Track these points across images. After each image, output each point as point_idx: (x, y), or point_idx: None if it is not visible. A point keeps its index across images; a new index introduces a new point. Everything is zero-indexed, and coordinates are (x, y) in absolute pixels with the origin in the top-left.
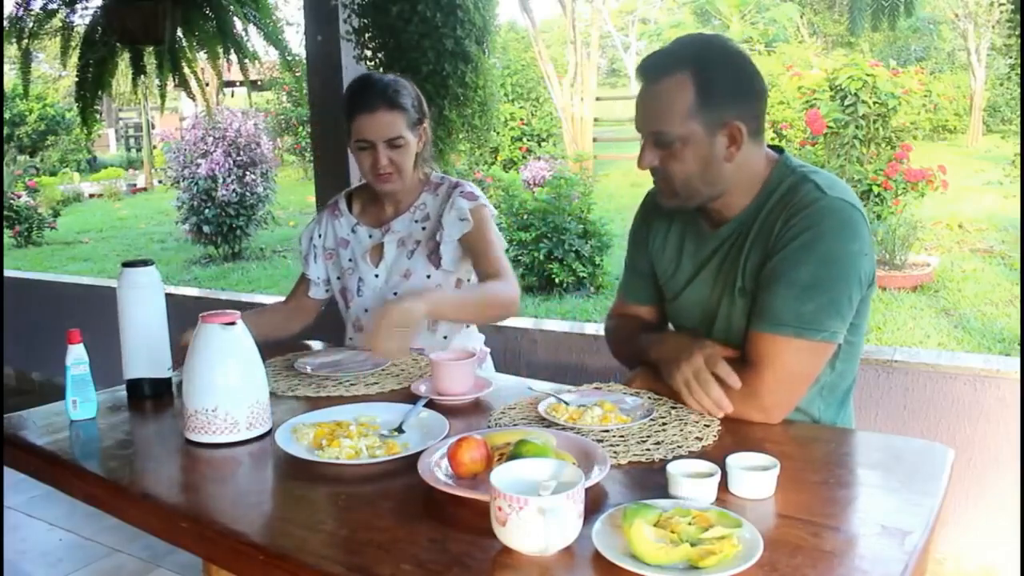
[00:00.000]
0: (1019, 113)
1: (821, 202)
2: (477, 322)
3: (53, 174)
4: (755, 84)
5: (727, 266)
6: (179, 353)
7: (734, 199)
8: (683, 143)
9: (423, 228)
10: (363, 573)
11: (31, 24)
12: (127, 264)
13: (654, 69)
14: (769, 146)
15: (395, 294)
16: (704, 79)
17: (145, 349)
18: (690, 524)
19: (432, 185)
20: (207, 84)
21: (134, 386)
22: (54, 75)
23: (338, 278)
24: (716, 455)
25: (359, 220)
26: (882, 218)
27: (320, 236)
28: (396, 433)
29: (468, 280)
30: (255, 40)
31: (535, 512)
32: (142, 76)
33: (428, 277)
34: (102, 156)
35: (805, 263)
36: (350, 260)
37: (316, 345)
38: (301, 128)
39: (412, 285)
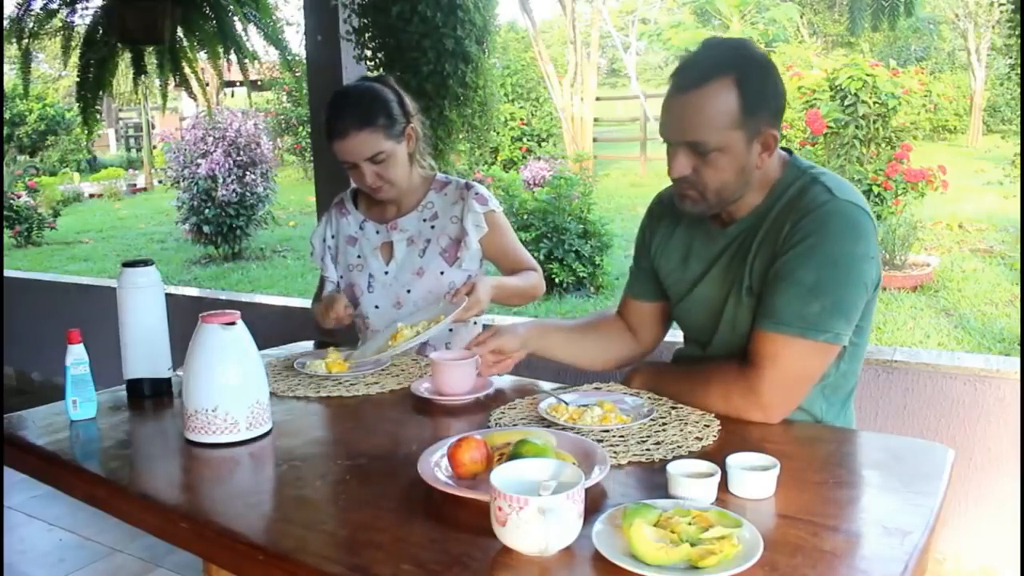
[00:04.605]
0: (1019, 113)
1: (829, 205)
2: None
3: (53, 174)
4: (784, 90)
5: (735, 264)
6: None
7: (746, 199)
8: (722, 152)
9: (432, 227)
10: (363, 573)
11: (31, 24)
12: (127, 264)
13: (694, 75)
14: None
15: (408, 292)
16: (746, 86)
17: (145, 349)
18: (690, 524)
19: (438, 184)
20: (207, 84)
21: (134, 386)
22: (54, 75)
23: (341, 277)
24: (716, 455)
25: (366, 217)
26: (882, 218)
27: (333, 236)
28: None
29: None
30: (255, 40)
31: (535, 512)
32: (142, 76)
33: (442, 274)
34: (102, 156)
35: (811, 265)
36: (358, 257)
37: (309, 346)
38: (301, 128)
39: (426, 283)
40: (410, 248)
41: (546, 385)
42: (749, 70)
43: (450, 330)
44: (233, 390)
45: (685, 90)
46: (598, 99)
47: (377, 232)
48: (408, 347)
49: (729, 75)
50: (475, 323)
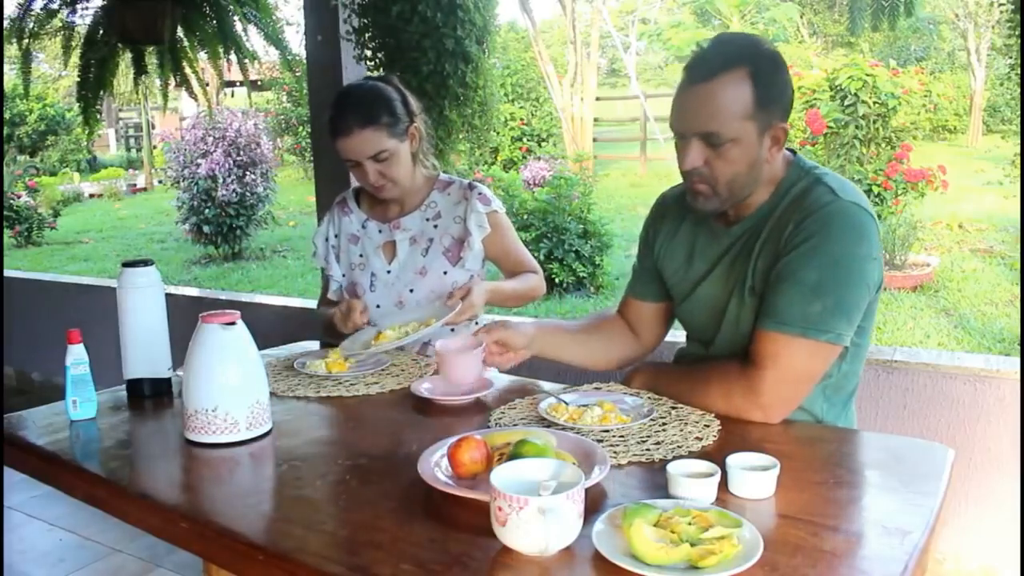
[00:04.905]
0: (1019, 113)
1: (832, 205)
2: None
3: (53, 174)
4: (792, 86)
5: (739, 264)
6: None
7: (752, 198)
8: (734, 143)
9: (435, 226)
10: (363, 573)
11: (31, 24)
12: (127, 264)
13: (707, 67)
14: None
15: (411, 291)
16: (759, 78)
17: (145, 349)
18: (690, 524)
19: (441, 184)
20: (207, 84)
21: (134, 386)
22: (54, 75)
23: (343, 275)
24: (716, 455)
25: (369, 216)
26: (882, 218)
27: (336, 235)
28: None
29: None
30: (255, 40)
31: (535, 512)
32: (143, 76)
33: (445, 274)
34: (102, 156)
35: (814, 264)
36: (360, 256)
37: (309, 346)
38: (301, 128)
39: (429, 282)
40: (413, 247)
41: (546, 385)
42: (762, 63)
43: (451, 330)
44: (233, 390)
45: (699, 81)
46: (598, 99)
47: (380, 231)
48: (393, 346)
49: (743, 67)
50: (476, 323)
